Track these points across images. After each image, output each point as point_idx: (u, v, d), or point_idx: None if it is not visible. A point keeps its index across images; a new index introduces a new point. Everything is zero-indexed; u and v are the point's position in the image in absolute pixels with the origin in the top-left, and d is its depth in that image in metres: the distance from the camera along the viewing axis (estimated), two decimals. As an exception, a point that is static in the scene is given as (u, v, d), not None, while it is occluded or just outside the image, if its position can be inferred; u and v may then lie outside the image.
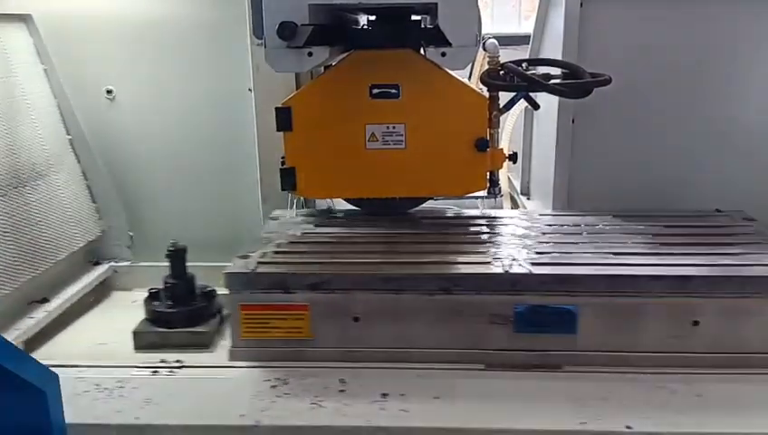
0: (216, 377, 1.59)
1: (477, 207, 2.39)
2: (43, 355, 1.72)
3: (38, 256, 1.92)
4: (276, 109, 1.80)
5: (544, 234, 1.86)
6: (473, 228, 1.93)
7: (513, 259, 1.62)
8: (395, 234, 1.86)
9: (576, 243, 1.77)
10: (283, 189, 1.87)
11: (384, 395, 1.47)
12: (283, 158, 1.85)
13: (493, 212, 2.12)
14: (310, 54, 1.65)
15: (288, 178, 1.84)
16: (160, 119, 2.22)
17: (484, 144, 1.81)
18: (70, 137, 2.20)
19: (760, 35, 2.10)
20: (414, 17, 1.87)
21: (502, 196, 2.17)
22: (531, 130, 2.62)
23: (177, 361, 1.64)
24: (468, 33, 1.64)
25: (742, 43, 2.10)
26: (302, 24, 1.60)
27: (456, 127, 1.81)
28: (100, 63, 2.20)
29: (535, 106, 2.00)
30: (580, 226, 1.92)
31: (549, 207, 2.23)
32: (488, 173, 1.87)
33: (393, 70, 1.79)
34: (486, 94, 1.85)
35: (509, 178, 2.75)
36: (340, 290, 1.59)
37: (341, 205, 2.08)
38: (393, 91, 1.79)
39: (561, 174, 2.19)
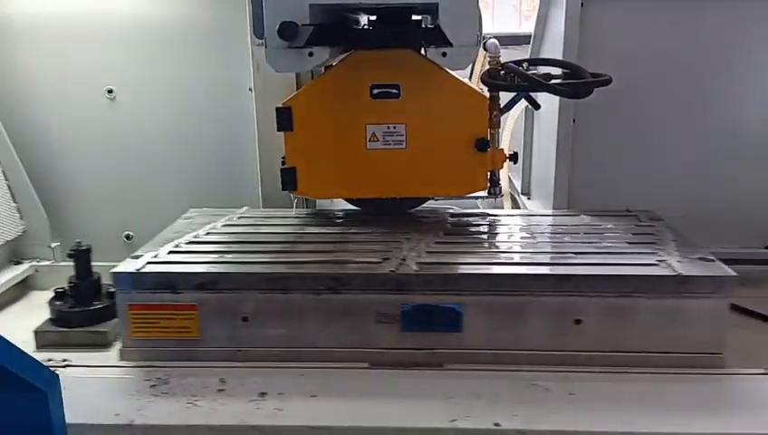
0: (100, 377, 1.58)
1: (478, 207, 2.39)
2: None
3: None
4: (277, 109, 1.80)
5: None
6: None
7: (402, 260, 1.62)
8: (301, 233, 1.87)
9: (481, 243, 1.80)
10: (283, 189, 1.87)
11: (262, 394, 1.47)
12: (283, 158, 1.85)
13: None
14: (310, 54, 1.65)
15: (289, 178, 1.84)
16: (160, 118, 2.22)
17: (485, 144, 1.81)
18: None
19: (761, 36, 2.10)
20: (415, 17, 1.87)
21: (502, 196, 2.17)
22: (531, 130, 2.61)
23: (64, 360, 1.64)
24: (469, 33, 1.64)
25: (742, 43, 2.11)
26: (303, 24, 1.60)
27: (456, 127, 1.81)
28: (98, 63, 2.21)
29: (536, 106, 2.00)
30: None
31: (549, 207, 2.23)
32: (489, 173, 1.87)
33: (394, 70, 1.78)
34: (487, 94, 1.84)
35: (509, 177, 2.75)
36: (227, 290, 1.58)
37: (342, 205, 2.08)
38: (394, 91, 1.79)
39: (562, 174, 2.19)
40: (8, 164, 2.21)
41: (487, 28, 1.89)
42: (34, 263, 2.23)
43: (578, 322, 1.55)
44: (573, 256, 1.66)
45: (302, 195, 1.94)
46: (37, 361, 1.37)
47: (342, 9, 1.79)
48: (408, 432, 1.37)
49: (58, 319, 1.81)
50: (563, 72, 1.87)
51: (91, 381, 1.56)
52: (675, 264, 1.58)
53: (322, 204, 2.32)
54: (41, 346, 1.76)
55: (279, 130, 1.81)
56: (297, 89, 1.99)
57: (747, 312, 1.89)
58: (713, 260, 1.61)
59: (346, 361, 1.58)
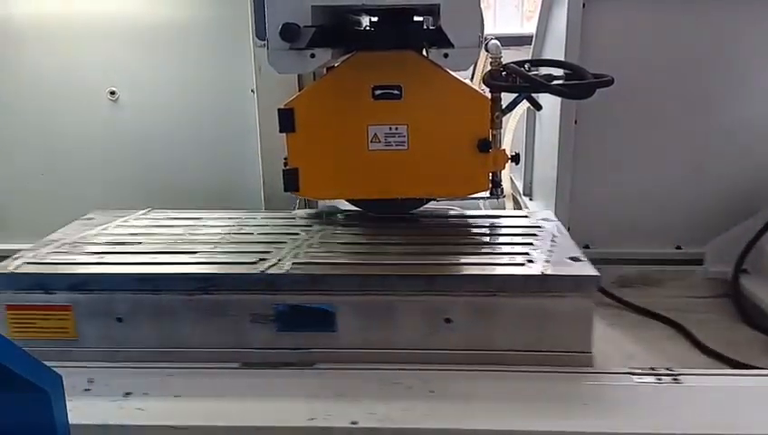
0: None
1: (479, 208, 2.39)
2: None
3: None
4: (279, 110, 1.80)
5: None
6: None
7: (279, 259, 1.63)
8: (190, 234, 1.87)
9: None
10: (285, 190, 1.87)
11: (127, 394, 1.47)
12: (285, 159, 1.85)
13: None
14: (312, 56, 1.64)
15: (291, 179, 1.84)
16: (163, 120, 2.23)
17: (487, 145, 1.81)
18: None
19: (761, 36, 2.10)
20: (416, 18, 1.86)
21: (504, 196, 2.17)
22: (533, 130, 2.62)
23: None
24: (471, 34, 1.64)
25: (744, 43, 2.11)
26: (305, 26, 1.60)
27: (458, 128, 1.80)
28: (101, 65, 2.21)
29: (538, 107, 2.00)
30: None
31: (551, 208, 2.23)
32: (490, 174, 1.86)
33: (395, 71, 1.78)
34: (489, 95, 1.84)
35: (511, 178, 2.75)
36: (100, 290, 1.59)
37: (344, 205, 2.08)
38: (395, 92, 1.79)
39: (564, 175, 2.20)
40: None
41: (489, 29, 1.89)
42: None
43: (448, 320, 1.55)
44: (446, 256, 1.67)
45: (303, 196, 1.95)
46: (39, 361, 1.34)
47: (344, 10, 1.78)
48: (265, 431, 1.37)
49: None
50: (565, 73, 1.87)
51: None
52: (541, 264, 1.59)
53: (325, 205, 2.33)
54: None
55: (281, 131, 1.81)
56: (299, 90, 1.99)
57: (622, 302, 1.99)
58: (581, 260, 1.61)
59: (218, 361, 1.58)
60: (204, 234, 1.87)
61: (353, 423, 1.36)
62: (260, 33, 1.67)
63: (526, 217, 2.03)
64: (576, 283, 1.53)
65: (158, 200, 2.27)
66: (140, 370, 1.56)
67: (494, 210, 2.04)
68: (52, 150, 2.35)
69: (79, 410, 1.40)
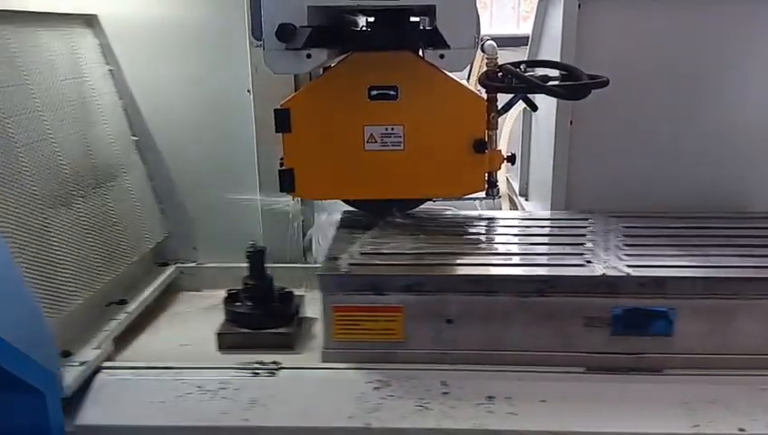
0: (315, 378, 1.59)
1: (476, 208, 2.39)
2: (128, 357, 1.75)
3: (116, 257, 1.93)
4: (275, 110, 1.80)
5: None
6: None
7: (607, 261, 1.64)
8: (486, 234, 1.90)
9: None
10: (281, 191, 1.86)
11: (490, 398, 1.48)
12: (281, 159, 1.84)
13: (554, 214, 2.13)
14: (308, 56, 1.65)
15: (287, 180, 1.83)
16: (161, 119, 2.22)
17: (483, 146, 1.81)
18: (136, 138, 2.21)
19: (759, 36, 2.10)
20: (412, 19, 1.86)
21: (500, 197, 2.17)
22: (529, 131, 2.61)
23: (274, 362, 1.63)
24: (467, 35, 1.64)
25: (740, 43, 2.10)
26: (301, 26, 1.60)
27: (454, 128, 1.80)
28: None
29: (533, 108, 2.00)
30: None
31: (547, 208, 2.23)
32: (486, 174, 1.87)
33: (392, 71, 1.78)
34: (485, 96, 1.84)
35: (507, 178, 2.75)
36: (432, 292, 1.58)
37: (342, 206, 2.08)
38: (392, 92, 1.79)
39: (559, 175, 2.19)
40: (154, 165, 2.22)
41: (485, 29, 1.89)
42: (179, 264, 2.24)
43: None
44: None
45: (299, 196, 1.94)
46: (35, 361, 1.34)
47: (340, 11, 1.78)
48: None
49: (237, 320, 1.82)
50: (561, 74, 1.87)
51: (308, 383, 1.57)
52: None
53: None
54: (223, 348, 1.78)
55: (277, 131, 1.81)
56: (295, 90, 1.99)
57: None
58: None
59: (556, 364, 1.57)
60: (499, 234, 1.90)
61: (741, 430, 1.36)
62: (256, 33, 1.67)
63: None
64: None
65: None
66: (486, 372, 1.56)
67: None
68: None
69: (446, 414, 1.45)
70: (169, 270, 2.20)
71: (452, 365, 1.58)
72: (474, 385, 1.51)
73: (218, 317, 1.86)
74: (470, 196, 1.95)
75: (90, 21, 2.13)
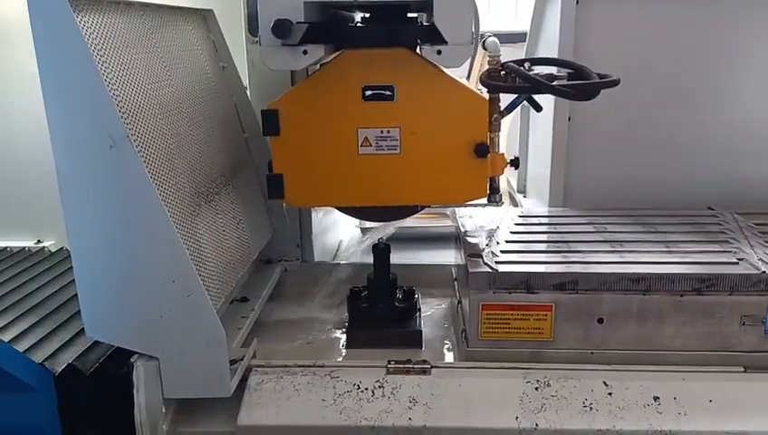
0: (470, 377, 1.57)
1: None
2: (263, 355, 1.72)
3: (244, 254, 1.93)
4: (263, 111, 1.71)
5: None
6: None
7: (761, 259, 1.62)
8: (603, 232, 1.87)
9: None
10: (270, 197, 1.78)
11: (656, 398, 1.49)
12: (270, 163, 1.75)
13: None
14: (305, 52, 1.60)
15: (275, 186, 1.74)
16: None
17: (484, 150, 1.71)
18: (246, 135, 2.16)
19: (757, 35, 2.10)
20: (410, 15, 1.80)
21: (503, 203, 2.11)
22: (527, 128, 2.61)
23: (424, 361, 1.61)
24: (464, 30, 1.59)
25: (738, 43, 2.11)
26: (297, 22, 1.56)
27: (454, 131, 1.71)
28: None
29: (538, 108, 1.90)
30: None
31: (545, 205, 2.24)
32: (489, 180, 1.77)
33: (387, 70, 1.69)
34: (486, 96, 1.74)
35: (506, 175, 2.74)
36: (585, 290, 1.57)
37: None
38: (387, 92, 1.69)
39: (558, 172, 2.20)
40: (261, 163, 2.16)
41: (484, 25, 1.82)
42: (283, 262, 2.26)
43: None
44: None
45: (289, 204, 1.85)
46: (31, 360, 1.35)
47: (337, 7, 1.73)
48: None
49: (362, 318, 1.87)
50: (567, 73, 1.78)
51: (464, 382, 1.56)
52: None
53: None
54: (351, 345, 1.84)
55: (265, 134, 1.72)
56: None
57: None
58: None
59: (712, 364, 1.57)
60: (614, 232, 1.86)
61: None
62: (252, 28, 1.70)
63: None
64: None
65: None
66: (645, 373, 1.55)
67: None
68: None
69: (614, 415, 1.47)
70: (277, 267, 2.22)
71: (608, 365, 1.57)
72: (635, 386, 1.52)
73: (331, 314, 1.97)
74: (471, 203, 1.86)
75: (203, 15, 2.06)
